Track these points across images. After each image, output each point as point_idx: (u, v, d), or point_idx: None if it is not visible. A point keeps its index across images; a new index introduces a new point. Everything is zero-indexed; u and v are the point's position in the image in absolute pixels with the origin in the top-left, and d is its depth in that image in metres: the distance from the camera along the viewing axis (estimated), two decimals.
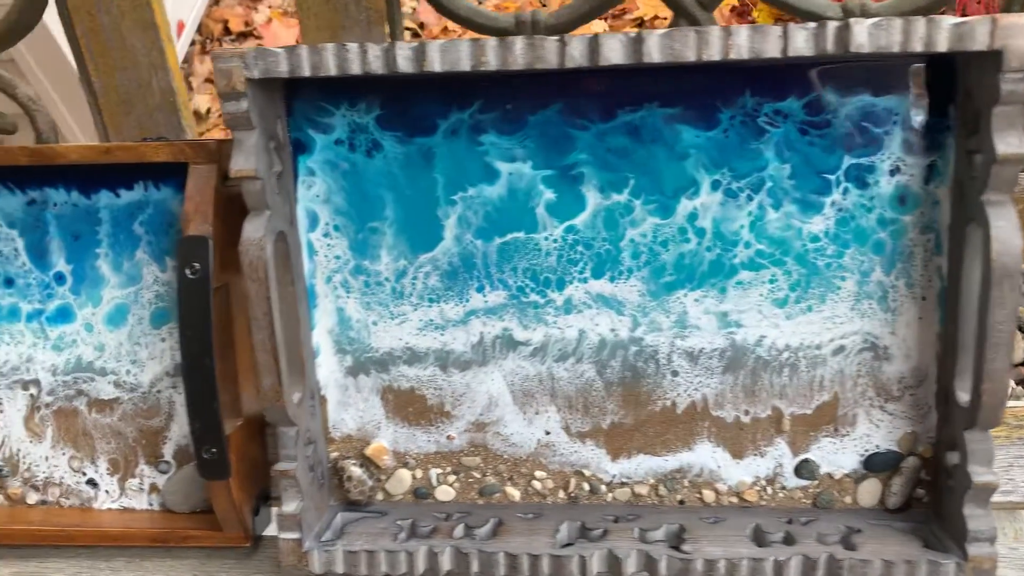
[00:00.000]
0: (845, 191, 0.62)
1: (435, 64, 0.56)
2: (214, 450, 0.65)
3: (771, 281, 0.64)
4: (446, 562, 0.65)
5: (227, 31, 2.59)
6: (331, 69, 0.57)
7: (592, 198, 0.64)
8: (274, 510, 0.73)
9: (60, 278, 0.71)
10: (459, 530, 0.67)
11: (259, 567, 0.71)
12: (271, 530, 0.73)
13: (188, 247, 0.62)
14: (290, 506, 0.66)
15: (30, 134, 0.77)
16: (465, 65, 0.56)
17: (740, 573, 0.62)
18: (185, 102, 0.69)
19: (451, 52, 0.56)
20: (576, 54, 0.55)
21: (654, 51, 0.55)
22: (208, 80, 2.47)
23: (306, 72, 0.57)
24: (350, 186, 0.66)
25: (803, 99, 0.61)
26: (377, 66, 0.57)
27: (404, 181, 0.65)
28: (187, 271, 0.62)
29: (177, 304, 0.63)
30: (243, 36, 2.62)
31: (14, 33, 0.65)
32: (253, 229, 0.61)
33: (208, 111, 2.40)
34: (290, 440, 0.65)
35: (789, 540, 0.64)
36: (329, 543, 0.66)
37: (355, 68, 0.57)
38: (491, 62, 0.56)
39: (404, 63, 0.56)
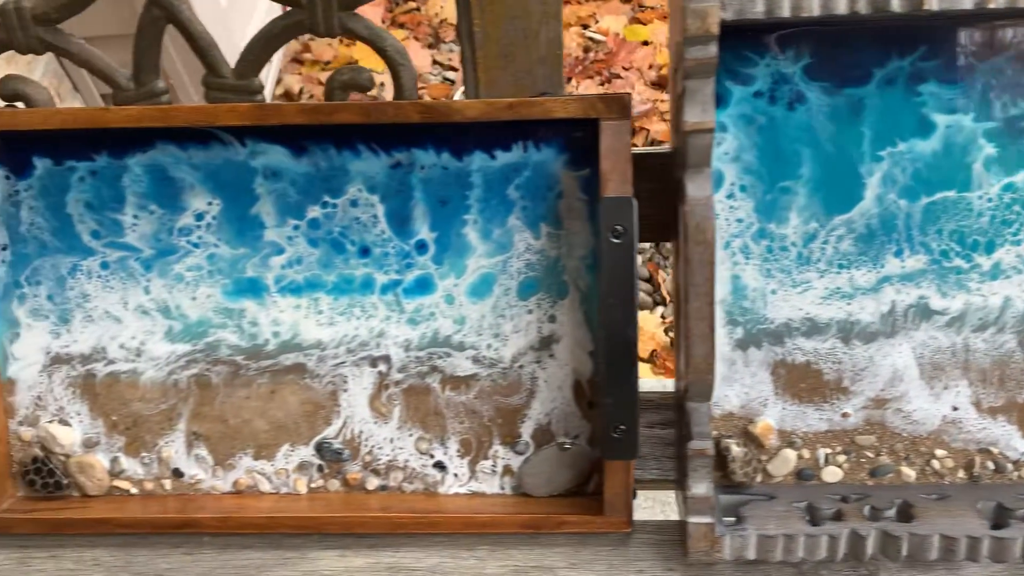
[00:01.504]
0: None
1: (933, 3, 0.52)
2: (623, 427, 0.60)
3: None
4: (870, 545, 0.61)
5: None
6: (814, 10, 0.52)
7: None
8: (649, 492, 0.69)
9: (422, 247, 0.66)
10: (866, 512, 0.63)
11: (637, 555, 0.66)
12: (640, 515, 0.68)
13: (612, 209, 0.58)
14: (701, 488, 0.61)
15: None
16: (967, 3, 0.51)
17: None
18: (562, 56, 0.63)
19: None
20: None
21: None
22: (295, 60, 2.41)
23: (785, 13, 0.53)
24: (764, 142, 0.61)
25: None
26: (862, 6, 0.52)
27: (826, 136, 0.60)
28: (611, 235, 0.58)
29: (600, 270, 0.58)
30: None
31: None
32: (698, 188, 0.56)
33: (300, 91, 2.34)
34: (704, 416, 0.61)
35: None
36: (739, 527, 0.62)
37: (841, 8, 0.52)
38: None
39: (897, 3, 0.52)
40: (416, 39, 2.56)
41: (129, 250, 0.67)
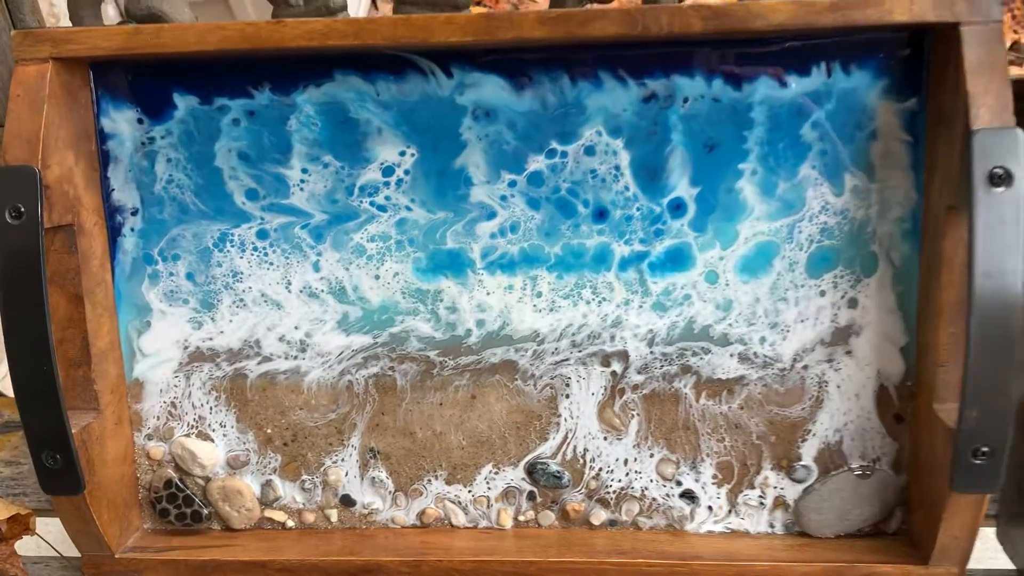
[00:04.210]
0: None
1: None
2: (987, 449, 0.43)
3: None
4: None
5: None
6: None
7: None
8: None
9: (678, 208, 0.50)
10: None
11: None
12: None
13: (990, 144, 0.41)
14: None
15: None
16: None
17: None
18: None
19: None
20: None
21: None
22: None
23: None
24: None
25: None
26: None
27: None
28: (988, 181, 0.41)
29: (971, 229, 0.41)
30: None
31: None
32: None
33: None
34: None
35: None
36: None
37: None
38: None
39: None
40: None
41: (295, 214, 0.52)
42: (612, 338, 0.52)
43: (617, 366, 0.52)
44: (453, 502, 0.55)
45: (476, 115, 0.50)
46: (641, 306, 0.51)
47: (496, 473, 0.54)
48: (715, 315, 0.51)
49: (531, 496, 0.54)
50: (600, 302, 0.51)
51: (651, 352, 0.52)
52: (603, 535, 0.54)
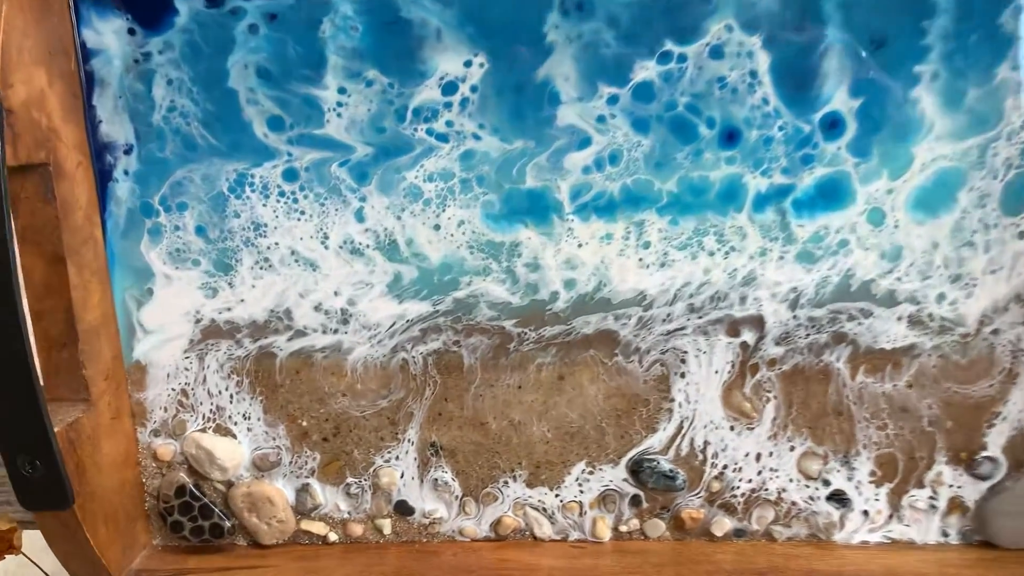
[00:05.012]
0: None
1: None
2: None
3: None
4: None
5: None
6: None
7: None
8: None
9: (833, 125, 0.38)
10: None
11: None
12: None
13: None
14: None
15: None
16: None
17: None
18: None
19: None
20: None
21: None
22: None
23: None
24: None
25: None
26: None
27: None
28: None
29: None
30: None
31: None
32: None
33: None
34: None
35: None
36: None
37: None
38: None
39: None
40: None
41: (331, 148, 0.40)
42: (743, 300, 0.40)
43: (749, 336, 0.41)
44: (536, 509, 0.44)
45: (565, 9, 0.38)
46: (782, 257, 0.40)
47: (591, 473, 0.43)
48: (879, 267, 0.39)
49: (635, 501, 0.43)
50: (727, 253, 0.40)
51: (794, 317, 0.40)
52: (729, 549, 0.43)
